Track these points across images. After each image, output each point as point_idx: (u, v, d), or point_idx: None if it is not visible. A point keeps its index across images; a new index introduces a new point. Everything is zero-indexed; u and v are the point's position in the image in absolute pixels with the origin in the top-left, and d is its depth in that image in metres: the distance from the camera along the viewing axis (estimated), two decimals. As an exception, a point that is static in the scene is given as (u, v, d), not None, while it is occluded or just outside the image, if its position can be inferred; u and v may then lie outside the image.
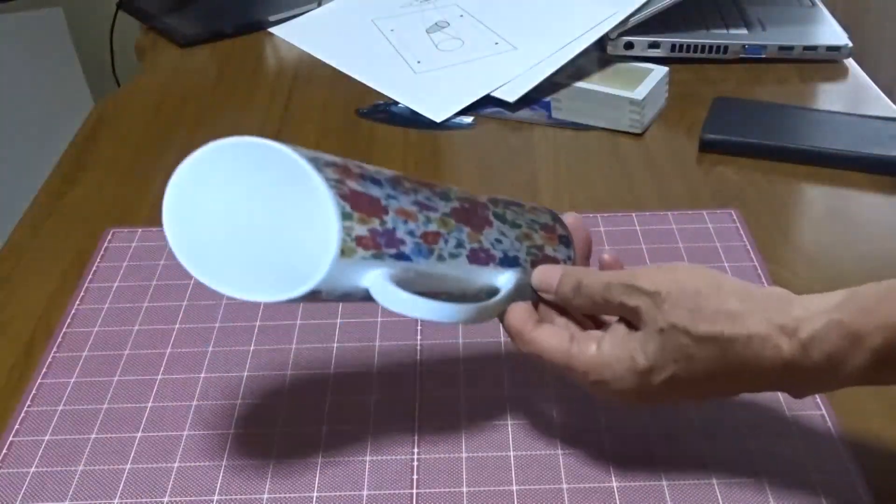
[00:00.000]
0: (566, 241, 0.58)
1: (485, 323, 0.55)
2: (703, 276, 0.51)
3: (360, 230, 0.48)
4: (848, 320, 0.46)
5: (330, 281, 0.47)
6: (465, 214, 0.53)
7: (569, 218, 0.60)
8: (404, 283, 0.49)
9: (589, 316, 0.56)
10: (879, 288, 0.47)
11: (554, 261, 0.57)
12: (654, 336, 0.50)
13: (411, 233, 0.50)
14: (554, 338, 0.53)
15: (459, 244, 0.52)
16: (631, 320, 0.52)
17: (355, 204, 0.48)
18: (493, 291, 0.54)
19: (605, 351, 0.51)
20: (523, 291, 0.54)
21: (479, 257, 0.53)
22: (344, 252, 0.47)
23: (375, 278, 0.48)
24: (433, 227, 0.51)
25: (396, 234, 0.49)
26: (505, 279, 0.54)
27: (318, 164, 0.47)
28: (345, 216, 0.47)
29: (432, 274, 0.51)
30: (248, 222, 0.50)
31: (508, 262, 0.54)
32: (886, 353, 0.45)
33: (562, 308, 0.56)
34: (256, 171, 0.50)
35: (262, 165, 0.49)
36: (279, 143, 0.48)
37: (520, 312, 0.54)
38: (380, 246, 0.48)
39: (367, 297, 0.49)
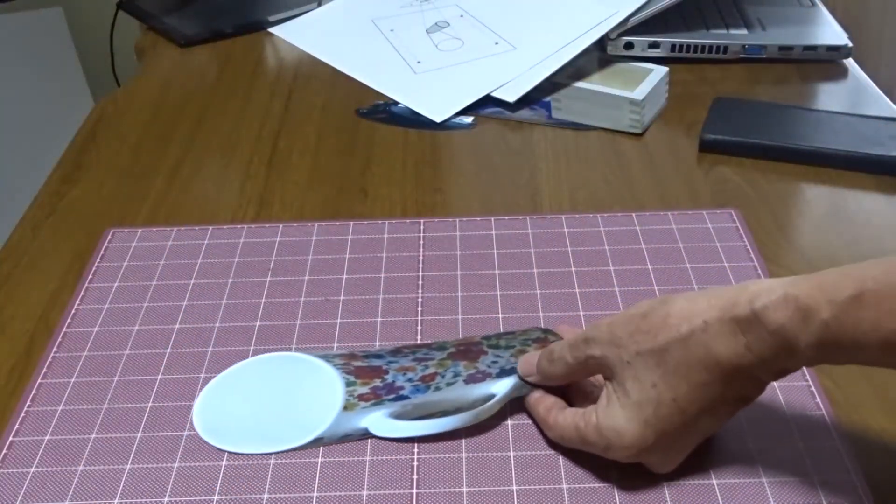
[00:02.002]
0: None
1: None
2: (649, 301, 0.53)
3: (363, 389, 0.61)
4: (802, 294, 0.48)
5: (335, 429, 0.59)
6: (460, 354, 0.63)
7: (562, 327, 0.64)
8: (403, 415, 0.59)
9: None
10: (840, 268, 0.48)
11: None
12: (626, 374, 0.52)
13: (410, 379, 0.62)
14: (568, 418, 0.56)
15: (456, 374, 0.61)
16: (604, 373, 0.55)
17: (359, 374, 0.62)
18: (490, 397, 0.59)
19: (606, 412, 0.54)
20: (520, 389, 0.59)
21: (476, 378, 0.61)
22: (347, 407, 0.60)
23: (375, 419, 0.59)
24: (430, 370, 0.62)
25: (396, 383, 0.61)
26: (501, 385, 0.60)
27: (328, 357, 0.64)
28: (349, 383, 0.62)
29: (428, 402, 0.60)
30: (263, 404, 0.62)
31: (505, 373, 0.61)
32: (836, 328, 0.46)
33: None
34: (273, 371, 0.64)
35: (279, 367, 0.65)
36: (296, 352, 0.65)
37: (545, 401, 0.58)
38: (380, 396, 0.61)
39: (366, 434, 0.59)
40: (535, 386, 0.59)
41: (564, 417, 0.56)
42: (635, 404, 0.52)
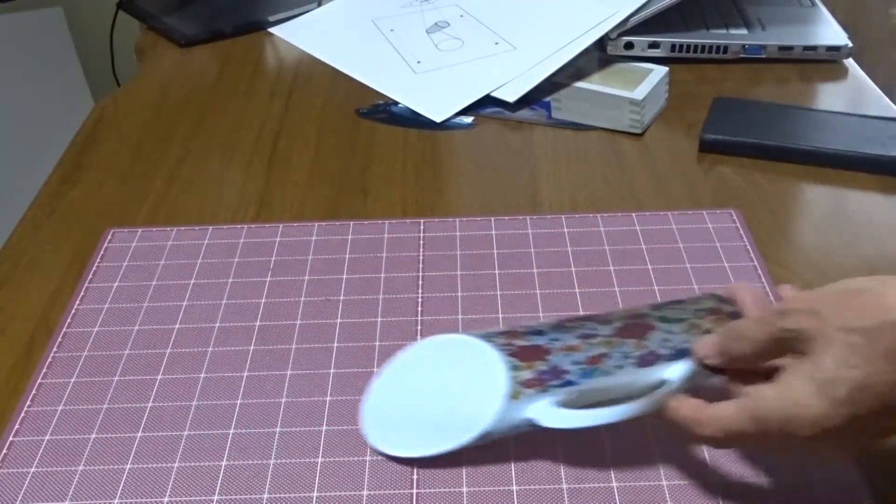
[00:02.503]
0: (737, 315, 0.57)
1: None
2: (860, 278, 0.49)
3: (527, 374, 0.57)
4: None
5: (501, 423, 0.56)
6: (627, 330, 0.59)
7: (739, 291, 0.58)
8: (569, 403, 0.55)
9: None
10: None
11: None
12: (825, 348, 0.48)
13: (576, 362, 0.57)
14: (730, 406, 0.51)
15: (625, 356, 0.57)
16: (795, 348, 0.50)
17: (522, 356, 0.58)
18: (661, 383, 0.55)
19: (782, 387, 0.49)
20: (696, 376, 0.55)
21: (647, 360, 0.56)
22: (514, 396, 0.56)
23: (541, 408, 0.55)
24: (597, 351, 0.58)
25: (561, 367, 0.57)
26: (675, 370, 0.55)
27: (490, 337, 0.61)
28: (513, 367, 0.58)
29: (597, 389, 0.55)
30: (421, 395, 0.60)
31: (678, 354, 0.56)
32: None
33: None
34: (437, 356, 0.63)
35: (443, 351, 0.63)
36: (460, 334, 0.63)
37: (688, 401, 0.53)
38: (544, 381, 0.56)
39: (534, 425, 0.55)
40: (713, 371, 0.54)
41: (723, 407, 0.51)
42: (828, 381, 0.48)
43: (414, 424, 0.59)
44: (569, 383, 0.56)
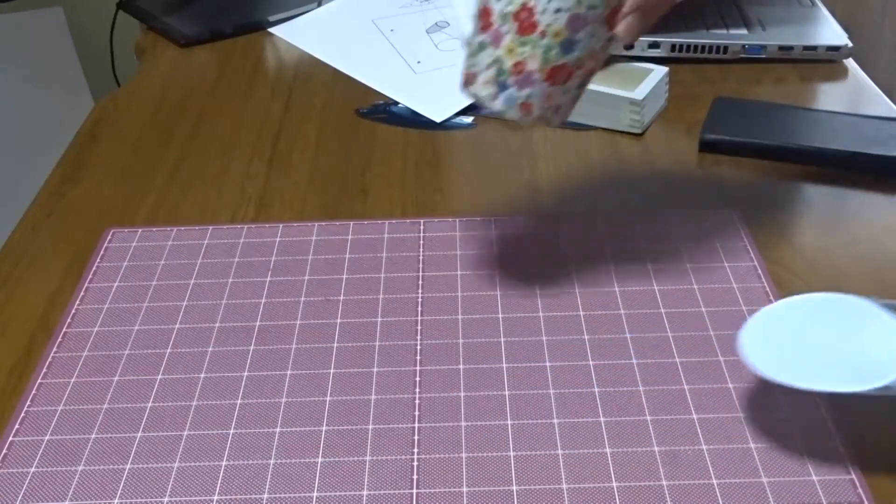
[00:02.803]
0: None
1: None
2: None
3: None
4: None
5: None
6: None
7: None
8: None
9: None
10: None
11: None
12: None
13: None
14: None
15: None
16: None
17: None
18: None
19: None
20: None
21: None
22: None
23: None
24: None
25: None
26: None
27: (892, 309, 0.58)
28: None
29: None
30: (816, 342, 0.58)
31: None
32: None
33: None
34: (831, 312, 0.60)
35: (838, 309, 0.60)
36: (860, 298, 0.59)
37: None
38: None
39: None
40: None
41: None
42: None
43: (807, 360, 0.57)
44: None
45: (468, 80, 0.60)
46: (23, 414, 0.62)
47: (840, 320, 0.59)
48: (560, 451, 0.58)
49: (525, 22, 0.56)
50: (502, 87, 0.58)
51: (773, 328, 0.59)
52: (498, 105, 0.59)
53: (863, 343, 0.57)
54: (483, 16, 0.59)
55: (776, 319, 0.60)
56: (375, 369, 0.65)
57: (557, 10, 0.56)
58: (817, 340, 0.58)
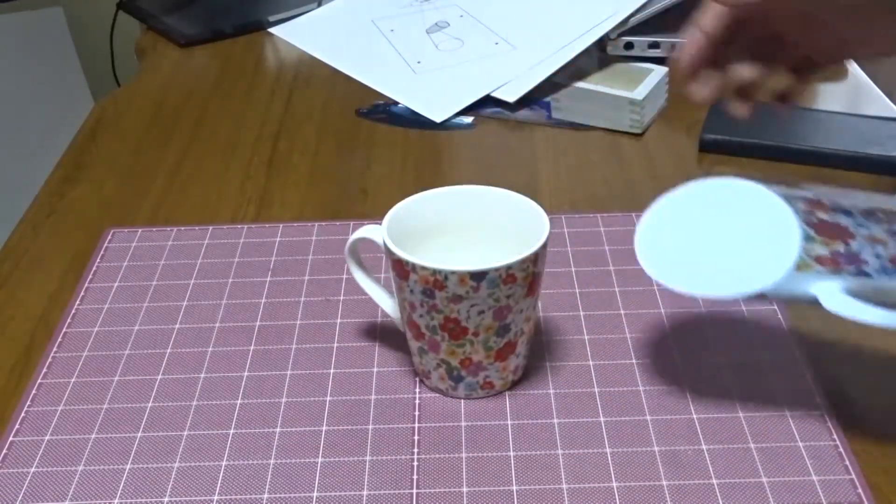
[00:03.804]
0: None
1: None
2: None
3: (821, 251, 0.53)
4: None
5: (780, 288, 0.52)
6: None
7: None
8: (859, 295, 0.52)
9: None
10: None
11: None
12: None
13: (878, 255, 0.53)
14: None
15: None
16: None
17: (820, 230, 0.54)
18: None
19: None
20: None
21: None
22: (799, 267, 0.52)
23: (827, 289, 0.52)
24: None
25: (861, 255, 0.53)
26: None
27: (791, 198, 0.55)
28: (807, 237, 0.53)
29: (893, 290, 0.52)
30: (707, 238, 0.57)
31: None
32: None
33: None
34: (727, 201, 0.57)
35: (732, 196, 0.57)
36: (759, 184, 0.56)
37: None
38: (839, 264, 0.52)
39: (814, 302, 0.53)
40: None
41: None
42: None
43: (692, 262, 0.55)
44: (864, 274, 0.52)
45: (424, 375, 0.63)
46: (23, 414, 0.62)
47: (736, 211, 0.56)
48: (560, 452, 0.58)
49: (454, 331, 0.58)
50: (458, 379, 0.61)
51: (668, 222, 0.58)
52: (460, 393, 0.62)
53: (754, 238, 0.55)
54: (412, 327, 0.60)
55: (672, 210, 0.59)
56: (375, 369, 0.65)
57: (481, 312, 0.57)
58: (711, 235, 0.56)
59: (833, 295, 0.52)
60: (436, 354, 0.60)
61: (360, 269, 0.65)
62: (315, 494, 0.56)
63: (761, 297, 0.53)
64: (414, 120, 0.96)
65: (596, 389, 0.62)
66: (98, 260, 0.76)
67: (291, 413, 0.61)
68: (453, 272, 0.56)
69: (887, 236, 0.54)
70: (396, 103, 0.99)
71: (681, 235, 0.57)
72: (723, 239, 0.55)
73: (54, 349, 0.67)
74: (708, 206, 0.58)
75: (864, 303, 0.51)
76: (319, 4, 1.20)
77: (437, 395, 0.62)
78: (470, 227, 0.64)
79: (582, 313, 0.68)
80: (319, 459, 0.58)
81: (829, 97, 0.98)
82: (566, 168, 0.87)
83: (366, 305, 0.70)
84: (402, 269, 0.58)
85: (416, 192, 0.64)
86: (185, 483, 0.57)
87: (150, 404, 0.63)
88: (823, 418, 0.59)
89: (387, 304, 0.64)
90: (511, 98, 0.96)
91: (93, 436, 0.60)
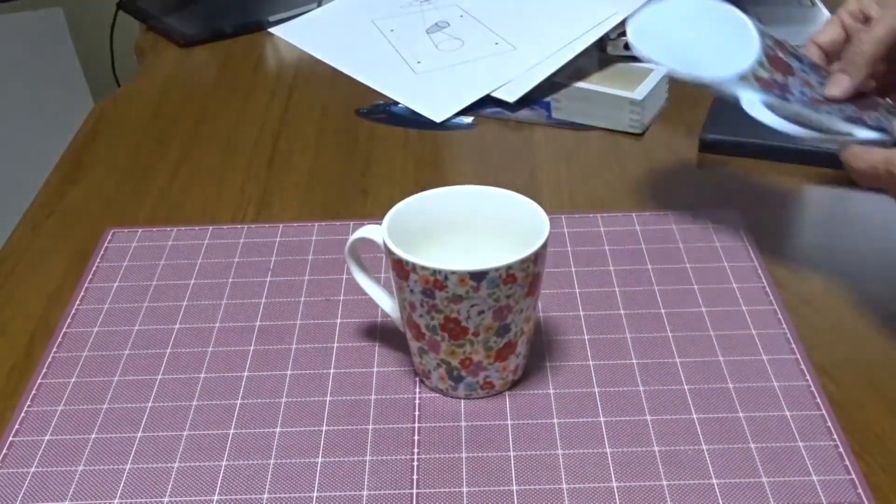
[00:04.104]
0: None
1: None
2: None
3: (763, 73, 0.68)
4: None
5: (722, 85, 0.68)
6: (858, 102, 0.67)
7: None
8: (775, 110, 0.66)
9: None
10: None
11: None
12: None
13: (803, 93, 0.67)
14: (883, 151, 0.60)
15: (841, 110, 0.66)
16: None
17: (772, 61, 0.69)
18: (850, 135, 0.64)
19: None
20: (882, 144, 0.63)
21: (853, 119, 0.65)
22: (743, 77, 0.67)
23: (752, 96, 0.67)
24: (823, 101, 0.67)
25: (791, 88, 0.67)
26: (867, 133, 0.64)
27: (764, 32, 0.71)
28: (759, 63, 0.68)
29: (802, 114, 0.66)
30: (684, 38, 0.72)
31: (877, 129, 0.64)
32: None
33: None
34: (707, 16, 0.73)
35: (716, 15, 0.73)
36: (739, 11, 0.72)
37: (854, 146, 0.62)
38: (770, 86, 0.67)
39: (737, 101, 0.67)
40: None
41: (878, 151, 0.60)
42: None
43: (669, 48, 0.71)
44: (786, 98, 0.66)
45: (424, 375, 0.63)
46: (23, 414, 0.62)
47: (715, 25, 0.72)
48: (560, 452, 0.58)
49: (454, 331, 0.58)
50: (458, 379, 0.61)
51: (657, 22, 0.72)
52: (460, 393, 0.62)
53: (720, 48, 0.70)
54: (412, 328, 0.60)
55: (663, 14, 0.73)
56: (375, 369, 0.65)
57: (481, 313, 0.57)
58: (688, 37, 0.71)
59: (753, 102, 0.67)
60: (436, 354, 0.60)
61: (360, 269, 0.65)
62: (315, 494, 0.56)
63: (706, 85, 0.69)
64: (414, 120, 0.96)
65: (596, 389, 0.62)
66: (98, 260, 0.76)
67: (291, 413, 0.61)
68: (453, 272, 0.56)
69: (818, 86, 0.68)
70: (396, 103, 0.99)
71: (666, 32, 0.72)
72: (696, 41, 0.71)
73: (54, 349, 0.67)
74: (691, 18, 0.73)
75: (773, 114, 0.66)
76: (319, 4, 1.20)
77: (437, 395, 0.62)
78: (470, 227, 0.64)
79: (582, 313, 0.68)
80: (319, 459, 0.58)
81: (829, 97, 0.98)
82: (566, 168, 0.87)
83: (366, 305, 0.70)
84: (402, 269, 0.58)
85: (416, 192, 0.64)
86: (185, 483, 0.57)
87: (150, 404, 0.63)
88: (823, 418, 0.59)
89: (387, 304, 0.64)
90: (511, 98, 0.96)
91: (93, 436, 0.60)
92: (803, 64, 0.70)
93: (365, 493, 0.56)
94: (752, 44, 0.70)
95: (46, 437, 0.60)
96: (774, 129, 0.66)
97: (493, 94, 0.97)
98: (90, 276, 0.75)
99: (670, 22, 0.72)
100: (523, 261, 0.57)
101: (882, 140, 0.63)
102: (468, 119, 0.96)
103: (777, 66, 0.69)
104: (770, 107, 0.66)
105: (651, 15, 0.73)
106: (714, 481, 0.55)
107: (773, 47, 0.70)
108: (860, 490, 0.54)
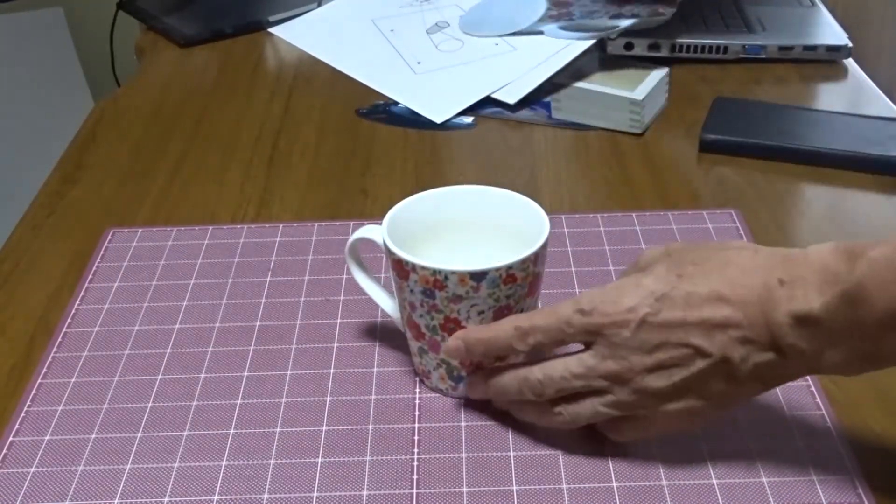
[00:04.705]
0: None
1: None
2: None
3: (553, 11, 0.85)
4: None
5: (528, 29, 0.96)
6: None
7: None
8: (565, 28, 0.94)
9: None
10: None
11: None
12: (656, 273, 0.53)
13: (581, 10, 0.92)
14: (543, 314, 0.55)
15: (607, 12, 0.93)
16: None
17: (555, 3, 0.92)
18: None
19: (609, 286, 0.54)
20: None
21: (616, 16, 0.92)
22: (540, 20, 0.94)
23: (551, 28, 0.96)
24: None
25: (573, 11, 0.89)
26: (626, 22, 0.93)
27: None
28: (547, 8, 0.94)
29: (583, 24, 0.90)
30: (499, 13, 1.05)
31: (632, 16, 0.88)
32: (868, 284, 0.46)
33: None
34: None
35: None
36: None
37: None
38: (558, 17, 0.86)
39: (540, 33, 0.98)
40: None
41: (541, 316, 0.55)
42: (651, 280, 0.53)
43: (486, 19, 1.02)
44: (571, 19, 0.96)
45: (424, 375, 0.63)
46: (23, 414, 0.62)
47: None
48: (560, 452, 0.58)
49: (454, 331, 0.58)
50: (458, 379, 0.61)
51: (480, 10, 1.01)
52: (461, 393, 0.62)
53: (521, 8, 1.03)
54: (412, 328, 0.60)
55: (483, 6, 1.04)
56: (375, 369, 0.65)
57: (481, 313, 0.57)
58: (503, 11, 1.04)
59: (553, 29, 0.94)
60: (436, 354, 0.60)
61: (360, 269, 0.65)
62: (315, 494, 0.56)
63: (523, 33, 0.97)
64: (414, 120, 0.96)
65: (596, 389, 0.62)
66: (98, 260, 0.76)
67: (291, 413, 0.61)
68: (453, 272, 0.56)
69: (600, 7, 0.97)
70: (396, 103, 0.99)
71: (487, 15, 1.03)
72: (507, 13, 1.02)
73: (54, 349, 0.67)
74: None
75: (567, 31, 0.95)
76: (319, 4, 1.20)
77: (437, 395, 0.62)
78: (470, 227, 0.64)
79: (582, 313, 0.68)
80: (319, 459, 0.58)
81: (829, 97, 0.98)
82: (566, 168, 0.87)
83: (366, 305, 0.70)
84: (402, 269, 0.58)
85: (416, 192, 0.64)
86: (185, 483, 0.57)
87: (150, 404, 0.63)
88: (823, 419, 0.59)
89: (387, 305, 0.64)
90: (511, 100, 0.96)
91: (93, 436, 0.60)
92: None
93: (365, 493, 0.56)
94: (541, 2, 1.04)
95: (46, 437, 0.60)
96: (566, 39, 0.94)
97: (494, 96, 0.97)
98: (90, 276, 0.75)
99: (489, 7, 1.06)
100: (523, 261, 0.57)
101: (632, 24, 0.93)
102: (468, 119, 0.96)
103: (557, 4, 1.02)
104: (563, 28, 0.96)
105: (476, 9, 1.08)
106: (714, 481, 0.55)
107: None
108: (860, 490, 0.54)
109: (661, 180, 0.84)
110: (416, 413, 0.61)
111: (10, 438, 0.60)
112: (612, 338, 0.52)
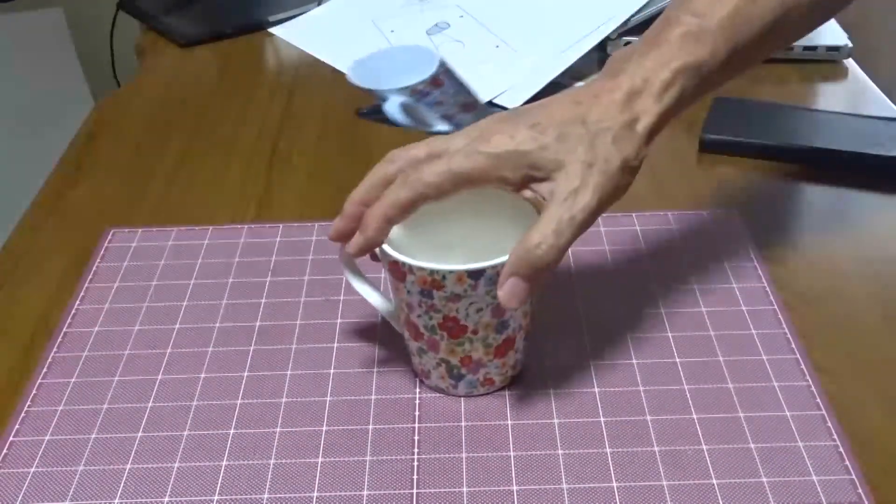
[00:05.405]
0: None
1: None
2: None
3: (421, 87, 0.90)
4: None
5: (386, 93, 0.96)
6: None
7: None
8: (404, 106, 0.93)
9: None
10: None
11: None
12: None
13: (434, 101, 0.89)
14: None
15: (444, 113, 0.89)
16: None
17: (433, 80, 0.92)
18: None
19: None
20: None
21: (446, 117, 0.89)
22: (403, 89, 0.94)
23: (396, 98, 0.94)
24: None
25: (430, 96, 0.93)
26: (440, 126, 0.88)
27: (442, 64, 0.96)
28: (423, 82, 0.92)
29: (419, 111, 0.88)
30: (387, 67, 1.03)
31: (452, 125, 0.86)
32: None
33: None
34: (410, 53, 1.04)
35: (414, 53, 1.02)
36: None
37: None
38: (419, 94, 0.88)
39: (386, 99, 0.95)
40: None
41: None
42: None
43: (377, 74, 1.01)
44: (420, 102, 0.94)
45: (423, 374, 0.63)
46: (23, 414, 0.62)
47: (410, 57, 1.01)
48: (560, 452, 0.58)
49: (453, 329, 0.58)
50: (458, 377, 0.61)
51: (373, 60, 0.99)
52: (461, 391, 0.62)
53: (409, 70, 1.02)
54: (410, 328, 0.60)
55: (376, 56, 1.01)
56: (375, 369, 0.65)
57: (479, 310, 0.57)
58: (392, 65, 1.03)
59: (394, 102, 0.94)
60: (435, 354, 0.60)
61: (354, 274, 0.64)
62: (315, 494, 0.56)
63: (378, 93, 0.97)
64: (414, 120, 0.96)
65: (596, 389, 0.62)
66: (98, 260, 0.76)
67: (291, 413, 0.61)
68: (451, 271, 0.56)
69: (451, 97, 0.94)
70: (396, 103, 0.99)
71: (376, 66, 1.04)
72: (393, 69, 1.02)
73: (54, 349, 0.67)
74: (399, 58, 1.03)
75: (402, 115, 0.93)
76: (319, 4, 1.20)
77: (437, 394, 0.62)
78: (470, 228, 0.64)
79: (581, 314, 0.68)
80: (319, 459, 0.58)
81: (829, 97, 0.98)
82: (566, 168, 0.87)
83: (366, 305, 0.70)
84: (398, 270, 0.58)
85: (416, 192, 0.64)
86: (185, 483, 0.57)
87: (150, 404, 0.63)
88: (823, 418, 0.59)
89: (383, 307, 0.64)
90: (512, 105, 0.96)
91: (93, 436, 0.60)
92: (454, 82, 0.97)
93: (365, 493, 0.56)
94: (429, 70, 1.00)
95: (46, 437, 0.60)
96: (392, 117, 0.94)
97: (495, 102, 0.97)
98: (90, 277, 0.75)
99: (381, 60, 1.04)
100: None
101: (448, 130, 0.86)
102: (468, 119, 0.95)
103: (434, 83, 0.97)
104: (404, 105, 0.94)
105: (369, 58, 1.05)
106: (714, 481, 0.55)
107: (441, 74, 0.98)
108: (860, 490, 0.54)
109: (661, 180, 0.84)
110: (417, 413, 0.61)
111: (10, 438, 0.60)
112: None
